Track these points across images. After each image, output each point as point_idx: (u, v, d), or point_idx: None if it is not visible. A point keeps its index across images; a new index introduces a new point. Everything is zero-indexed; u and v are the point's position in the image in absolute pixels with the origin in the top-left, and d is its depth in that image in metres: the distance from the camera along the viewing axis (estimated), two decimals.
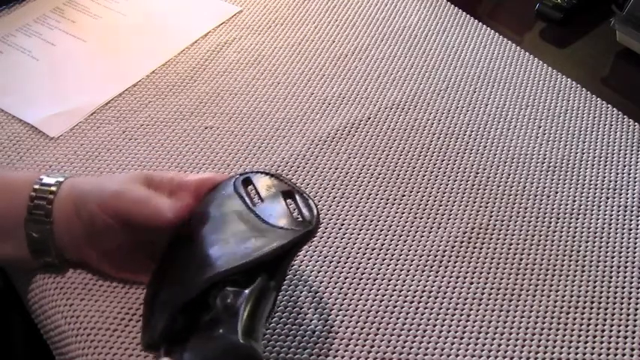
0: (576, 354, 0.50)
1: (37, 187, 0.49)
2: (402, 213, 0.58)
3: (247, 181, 0.49)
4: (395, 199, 0.59)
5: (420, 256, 0.55)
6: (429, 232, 0.57)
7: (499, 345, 0.50)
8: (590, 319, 0.52)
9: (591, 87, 0.70)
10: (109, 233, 0.48)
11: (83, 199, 0.48)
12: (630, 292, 0.53)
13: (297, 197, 0.48)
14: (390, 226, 0.57)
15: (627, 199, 0.60)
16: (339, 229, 0.57)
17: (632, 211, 0.59)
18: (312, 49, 0.73)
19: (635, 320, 0.52)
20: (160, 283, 0.47)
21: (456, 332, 0.50)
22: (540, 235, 0.57)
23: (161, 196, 0.48)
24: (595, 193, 0.60)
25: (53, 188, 0.49)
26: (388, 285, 0.53)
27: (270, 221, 0.46)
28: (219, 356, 0.41)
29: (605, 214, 0.59)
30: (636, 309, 0.52)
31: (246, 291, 0.42)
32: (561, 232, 0.57)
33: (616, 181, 0.61)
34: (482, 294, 0.53)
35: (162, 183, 0.49)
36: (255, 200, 0.48)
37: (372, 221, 0.57)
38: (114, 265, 0.51)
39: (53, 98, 0.67)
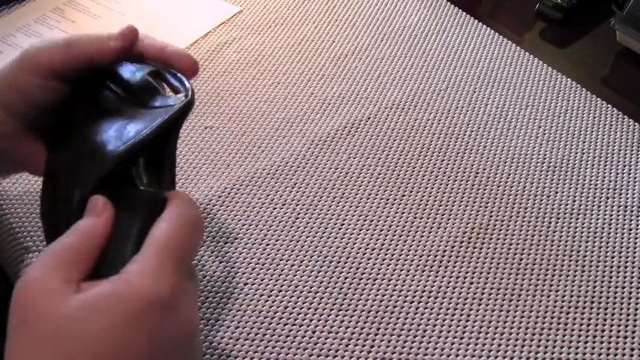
0: (576, 354, 0.50)
1: None
2: (402, 213, 0.58)
3: (113, 75, 0.47)
4: (395, 199, 0.59)
5: (420, 256, 0.55)
6: (429, 232, 0.57)
7: (499, 345, 0.50)
8: (590, 319, 0.52)
9: (591, 87, 0.70)
10: (31, 90, 0.44)
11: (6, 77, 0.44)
12: (630, 292, 0.53)
13: (166, 74, 0.46)
14: (390, 226, 0.57)
15: (627, 199, 0.60)
16: (339, 229, 0.57)
17: (632, 211, 0.59)
18: (312, 49, 0.73)
19: (635, 320, 0.52)
20: (51, 197, 0.43)
21: (456, 332, 0.51)
22: (540, 235, 0.57)
23: None
24: (595, 193, 0.60)
25: None
26: (388, 285, 0.53)
27: (146, 104, 0.44)
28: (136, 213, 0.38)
29: (605, 214, 0.59)
30: (636, 309, 0.52)
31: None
32: (561, 232, 0.57)
33: (616, 181, 0.61)
34: (483, 294, 0.53)
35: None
36: (125, 89, 0.46)
37: (372, 221, 0.57)
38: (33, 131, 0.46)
39: None
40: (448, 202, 0.59)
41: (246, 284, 0.53)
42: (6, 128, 0.45)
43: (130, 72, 0.46)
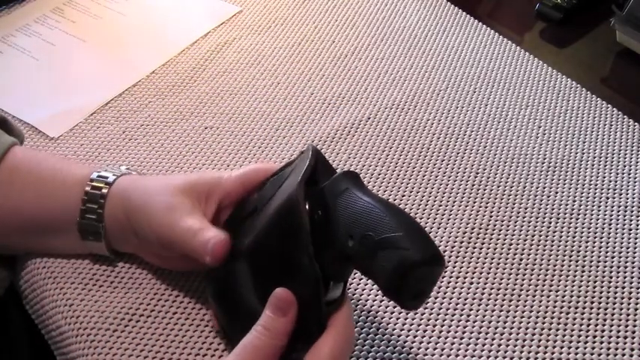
0: (576, 354, 0.50)
1: (88, 189, 0.50)
2: None
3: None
4: (395, 199, 0.59)
5: None
6: (429, 232, 0.57)
7: (499, 345, 0.50)
8: (590, 319, 0.52)
9: (591, 87, 0.70)
10: (158, 246, 0.49)
11: (133, 214, 0.49)
12: (630, 292, 0.53)
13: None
14: None
15: (627, 199, 0.60)
16: None
17: (632, 211, 0.59)
18: (312, 49, 0.73)
19: (635, 320, 0.52)
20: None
21: (455, 332, 0.50)
22: (540, 235, 0.57)
23: (208, 227, 0.46)
24: (595, 193, 0.60)
25: (103, 193, 0.50)
26: None
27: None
28: None
29: (605, 214, 0.59)
30: (636, 309, 0.52)
31: None
32: (561, 232, 0.57)
33: (616, 181, 0.61)
34: (483, 294, 0.53)
35: (211, 190, 0.49)
36: None
37: None
38: (164, 260, 0.52)
39: (53, 98, 0.67)
40: (448, 202, 0.59)
41: None
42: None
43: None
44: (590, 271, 0.54)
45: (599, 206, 0.59)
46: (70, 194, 0.50)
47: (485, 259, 0.55)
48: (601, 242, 0.57)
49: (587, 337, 0.51)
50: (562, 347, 0.50)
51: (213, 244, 0.45)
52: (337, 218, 0.42)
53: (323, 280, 0.42)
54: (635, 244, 0.56)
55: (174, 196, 0.48)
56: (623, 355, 0.50)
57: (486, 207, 0.59)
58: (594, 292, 0.53)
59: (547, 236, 0.57)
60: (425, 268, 0.40)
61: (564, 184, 0.61)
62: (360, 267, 0.42)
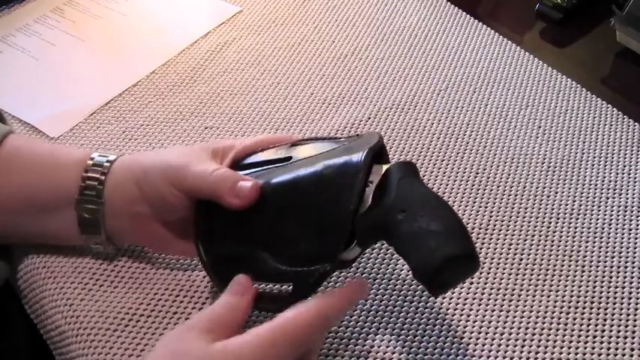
0: (576, 354, 0.50)
1: (88, 166, 0.50)
2: None
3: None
4: None
5: None
6: None
7: (499, 345, 0.50)
8: (590, 319, 0.52)
9: (591, 87, 0.70)
10: (178, 205, 0.48)
11: (145, 175, 0.48)
12: (630, 292, 0.53)
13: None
14: None
15: (627, 199, 0.60)
16: None
17: (632, 211, 0.59)
18: (312, 49, 0.73)
19: (635, 320, 0.52)
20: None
21: (456, 332, 0.51)
22: (540, 235, 0.57)
23: (225, 168, 0.48)
24: (595, 193, 0.60)
25: (105, 168, 0.49)
26: (388, 285, 0.53)
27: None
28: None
29: (605, 214, 0.59)
30: (636, 309, 0.52)
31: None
32: (561, 232, 0.57)
33: (616, 181, 0.61)
34: (483, 294, 0.53)
35: (225, 151, 0.50)
36: None
37: None
38: (174, 237, 0.51)
39: (53, 98, 0.67)
40: (448, 202, 0.59)
41: None
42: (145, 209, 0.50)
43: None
44: (590, 271, 0.54)
45: (599, 206, 0.59)
46: (70, 172, 0.50)
47: (485, 259, 0.55)
48: (601, 242, 0.57)
49: (587, 337, 0.51)
50: (562, 347, 0.50)
51: (251, 187, 0.46)
52: (397, 192, 0.44)
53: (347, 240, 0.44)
54: (635, 244, 0.56)
55: (190, 147, 0.50)
56: (623, 355, 0.50)
57: (486, 207, 0.59)
58: (594, 292, 0.53)
59: (547, 236, 0.57)
60: (467, 263, 0.42)
61: (564, 184, 0.61)
62: (400, 240, 0.43)
